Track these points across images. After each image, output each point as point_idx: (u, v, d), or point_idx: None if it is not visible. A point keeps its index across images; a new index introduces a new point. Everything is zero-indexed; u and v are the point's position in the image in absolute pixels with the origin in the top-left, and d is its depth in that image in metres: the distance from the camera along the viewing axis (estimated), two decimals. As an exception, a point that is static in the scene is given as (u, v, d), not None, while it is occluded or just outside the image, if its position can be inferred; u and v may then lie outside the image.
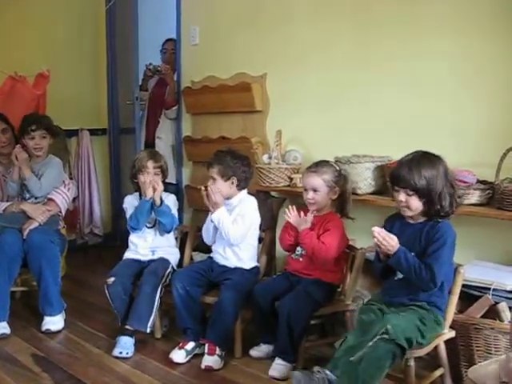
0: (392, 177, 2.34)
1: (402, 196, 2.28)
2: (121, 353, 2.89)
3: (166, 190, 4.44)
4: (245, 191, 3.09)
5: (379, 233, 2.24)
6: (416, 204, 2.28)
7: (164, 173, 3.28)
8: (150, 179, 3.16)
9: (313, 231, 2.77)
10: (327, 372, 2.20)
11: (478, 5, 2.92)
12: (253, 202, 3.07)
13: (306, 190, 2.85)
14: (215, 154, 3.05)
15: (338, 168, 2.89)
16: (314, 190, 2.80)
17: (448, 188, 2.30)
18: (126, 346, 2.91)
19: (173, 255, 3.26)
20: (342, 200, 2.89)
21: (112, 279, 3.03)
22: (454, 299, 2.36)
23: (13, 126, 3.65)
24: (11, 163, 3.48)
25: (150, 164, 3.20)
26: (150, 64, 4.77)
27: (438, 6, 3.05)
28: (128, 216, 3.24)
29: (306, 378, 2.25)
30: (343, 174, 2.88)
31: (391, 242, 2.23)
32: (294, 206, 2.83)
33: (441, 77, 3.07)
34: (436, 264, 2.22)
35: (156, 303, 2.97)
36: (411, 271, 2.23)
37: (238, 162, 3.01)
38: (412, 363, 2.25)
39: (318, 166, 2.85)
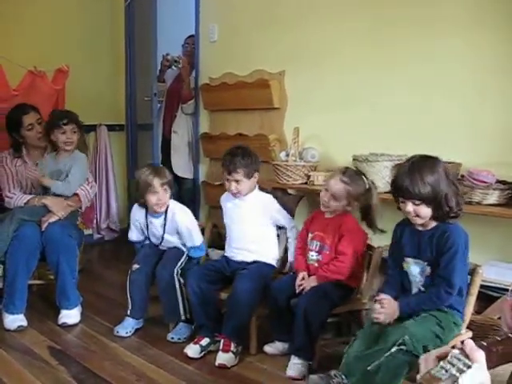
0: (395, 189, 2.26)
1: (409, 207, 2.21)
2: (173, 338, 3.03)
3: (182, 185, 4.43)
4: (257, 188, 3.09)
5: (378, 318, 2.22)
6: (425, 212, 2.21)
7: (171, 187, 3.21)
8: (159, 199, 3.11)
9: (320, 269, 2.75)
10: (343, 377, 2.19)
11: (491, 5, 2.89)
12: (274, 200, 3.12)
13: (326, 190, 2.79)
14: (230, 159, 2.96)
15: (367, 184, 2.78)
16: (334, 197, 2.74)
17: (452, 188, 2.23)
18: (180, 332, 3.05)
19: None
20: (370, 214, 2.77)
21: (136, 266, 3.13)
22: (472, 300, 2.33)
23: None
24: (41, 155, 3.60)
25: (157, 182, 3.08)
26: (168, 54, 4.79)
27: (452, 8, 3.04)
28: (132, 226, 3.32)
29: (322, 382, 2.25)
30: (371, 187, 2.78)
31: (392, 316, 2.22)
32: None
33: (458, 77, 3.05)
34: (453, 275, 2.18)
35: (178, 291, 3.03)
36: (423, 308, 2.22)
37: (252, 157, 3.00)
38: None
39: (351, 176, 2.74)
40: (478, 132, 2.99)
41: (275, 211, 3.10)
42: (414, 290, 2.32)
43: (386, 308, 2.22)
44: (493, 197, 2.74)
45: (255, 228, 3.04)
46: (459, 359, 0.91)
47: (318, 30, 3.70)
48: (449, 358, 0.93)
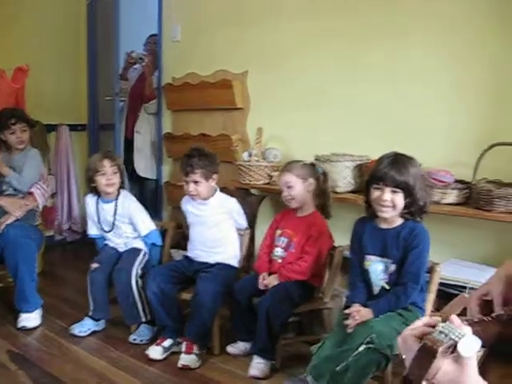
0: (377, 175, 2.27)
1: (387, 195, 2.24)
2: (135, 340, 3.02)
3: (145, 186, 4.41)
4: (218, 191, 3.09)
5: (351, 326, 2.24)
6: (401, 203, 2.25)
7: (121, 173, 3.26)
8: (108, 179, 3.16)
9: (283, 268, 2.77)
10: (313, 379, 2.20)
11: (466, 5, 2.93)
12: (237, 202, 3.12)
13: (282, 189, 2.86)
14: (187, 160, 2.96)
15: (307, 162, 2.89)
16: (289, 187, 2.80)
17: (425, 186, 2.33)
18: (142, 333, 3.04)
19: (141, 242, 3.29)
20: (323, 199, 2.88)
21: (95, 265, 3.12)
22: (431, 297, 2.38)
23: None
24: None
25: (107, 163, 3.17)
26: (132, 52, 4.75)
27: (424, 4, 3.06)
28: (88, 220, 3.36)
29: None
30: (321, 173, 2.88)
31: (363, 318, 2.23)
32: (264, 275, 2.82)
33: (420, 78, 3.09)
34: (419, 271, 2.25)
35: (136, 294, 3.02)
36: (393, 308, 2.26)
37: (210, 158, 3.00)
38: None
39: (288, 164, 2.88)
40: (438, 132, 3.04)
41: (238, 214, 3.11)
42: (375, 289, 2.35)
43: (357, 320, 2.23)
44: (451, 196, 2.79)
45: (218, 230, 3.04)
46: (453, 328, 0.95)
47: (281, 30, 3.70)
48: (444, 325, 0.95)
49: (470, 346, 0.94)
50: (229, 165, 3.68)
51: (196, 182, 2.96)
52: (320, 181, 2.86)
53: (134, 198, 3.33)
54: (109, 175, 3.16)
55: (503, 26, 2.81)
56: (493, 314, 1.38)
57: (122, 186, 3.28)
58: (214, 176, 3.00)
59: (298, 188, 2.80)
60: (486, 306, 1.43)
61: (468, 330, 0.95)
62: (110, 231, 3.25)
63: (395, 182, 2.23)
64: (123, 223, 3.24)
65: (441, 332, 0.95)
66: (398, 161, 2.26)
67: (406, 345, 1.01)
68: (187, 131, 4.26)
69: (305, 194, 2.82)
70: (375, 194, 2.29)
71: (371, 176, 2.34)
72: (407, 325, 2.15)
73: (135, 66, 4.91)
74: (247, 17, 3.90)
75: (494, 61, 2.84)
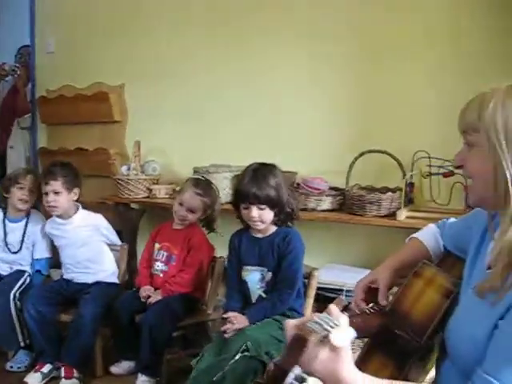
0: (241, 195, 2.29)
1: (254, 212, 2.26)
2: (12, 367, 2.88)
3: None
4: (81, 208, 3.01)
5: (228, 334, 2.24)
6: (269, 216, 2.29)
7: (40, 195, 3.10)
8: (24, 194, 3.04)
9: (166, 283, 2.75)
10: None
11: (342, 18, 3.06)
12: (103, 218, 3.06)
13: (181, 204, 2.79)
14: (49, 169, 2.92)
15: (217, 192, 2.89)
16: (191, 211, 2.77)
17: (290, 191, 2.37)
18: (19, 360, 2.91)
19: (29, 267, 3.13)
20: (211, 217, 2.86)
21: None
22: (310, 302, 2.43)
23: None
24: None
25: (30, 178, 3.06)
26: (4, 63, 4.54)
27: (294, 19, 3.16)
28: None
29: None
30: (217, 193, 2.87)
31: (239, 324, 2.24)
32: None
33: (295, 89, 3.19)
34: (294, 276, 2.28)
35: (14, 317, 2.86)
36: (269, 314, 2.28)
37: (73, 170, 2.95)
38: (272, 367, 2.28)
39: (204, 188, 2.80)
40: (313, 142, 3.15)
41: (106, 229, 3.05)
42: (254, 298, 2.38)
43: (235, 324, 2.23)
44: (326, 203, 2.89)
45: (88, 249, 2.97)
46: (329, 319, 0.97)
47: (158, 42, 3.68)
48: (320, 316, 0.98)
49: (342, 336, 0.97)
50: (107, 179, 3.60)
51: (57, 193, 2.86)
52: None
53: (44, 219, 3.19)
54: (26, 191, 3.04)
55: (370, 39, 2.97)
56: (374, 307, 1.46)
57: (33, 206, 3.15)
58: (76, 190, 2.93)
59: (197, 215, 2.79)
60: (371, 293, 1.51)
61: (345, 320, 0.99)
62: (17, 252, 3.08)
63: (258, 199, 2.24)
64: (27, 247, 3.10)
65: (315, 322, 0.97)
66: (258, 175, 2.27)
67: (286, 332, 1.06)
68: (63, 145, 4.11)
69: (197, 219, 2.82)
70: (243, 211, 2.32)
71: (236, 194, 2.36)
72: (283, 330, 2.19)
73: (7, 79, 4.69)
74: (123, 29, 3.85)
75: (362, 74, 2.99)
